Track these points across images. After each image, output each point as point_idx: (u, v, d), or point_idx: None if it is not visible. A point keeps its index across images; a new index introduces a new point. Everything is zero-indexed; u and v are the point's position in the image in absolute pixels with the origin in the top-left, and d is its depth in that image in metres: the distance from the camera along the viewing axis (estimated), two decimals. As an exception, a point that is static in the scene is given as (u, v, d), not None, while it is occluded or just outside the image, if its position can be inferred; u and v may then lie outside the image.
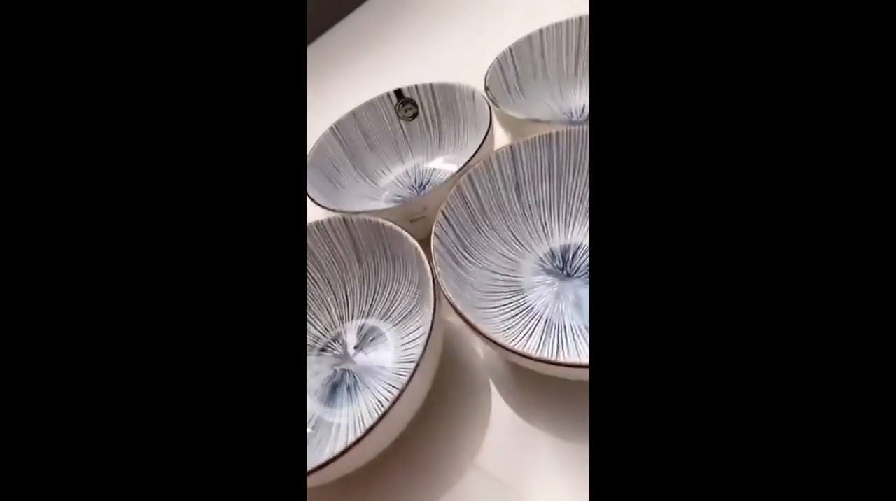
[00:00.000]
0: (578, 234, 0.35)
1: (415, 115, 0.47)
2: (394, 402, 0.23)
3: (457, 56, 0.64)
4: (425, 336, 0.25)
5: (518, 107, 0.45)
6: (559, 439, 0.28)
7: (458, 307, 0.26)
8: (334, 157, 0.45)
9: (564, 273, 0.34)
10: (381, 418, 0.23)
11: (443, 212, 0.32)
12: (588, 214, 0.36)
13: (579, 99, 0.46)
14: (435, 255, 0.29)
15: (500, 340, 0.25)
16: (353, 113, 0.47)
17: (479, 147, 0.35)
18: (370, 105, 0.47)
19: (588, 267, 0.34)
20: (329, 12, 0.82)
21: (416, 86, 0.46)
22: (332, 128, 0.45)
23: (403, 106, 0.47)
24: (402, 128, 0.48)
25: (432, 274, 0.28)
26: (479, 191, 0.34)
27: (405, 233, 0.31)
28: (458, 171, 0.34)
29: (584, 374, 0.24)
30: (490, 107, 0.39)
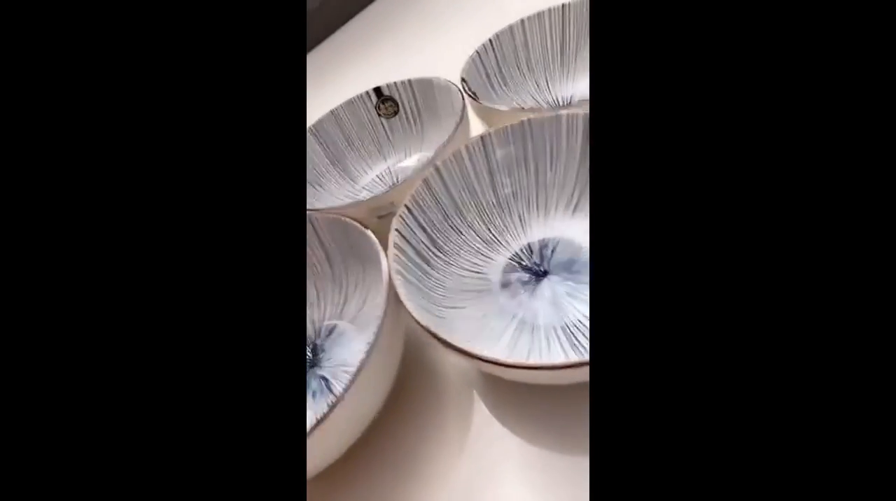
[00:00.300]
0: (558, 228, 0.33)
1: (395, 113, 0.46)
2: (328, 413, 0.21)
3: (451, 59, 0.63)
4: (374, 335, 0.23)
5: (502, 100, 0.43)
6: (537, 447, 0.25)
7: (411, 309, 0.24)
8: (313, 158, 0.44)
9: (542, 269, 0.32)
10: (314, 428, 0.21)
11: (406, 206, 0.30)
12: (567, 207, 0.33)
13: (565, 89, 0.44)
14: (394, 252, 0.28)
15: (456, 342, 0.22)
16: (333, 113, 0.46)
17: (449, 139, 0.33)
18: (350, 104, 0.46)
19: (567, 263, 0.31)
20: (313, 32, 0.83)
21: (395, 83, 0.45)
22: (310, 128, 0.44)
23: (384, 104, 0.46)
24: (383, 127, 0.46)
25: (388, 273, 0.26)
26: (450, 184, 0.32)
27: (366, 230, 0.29)
28: (425, 164, 0.32)
29: (552, 377, 0.22)
30: (463, 98, 0.37)
